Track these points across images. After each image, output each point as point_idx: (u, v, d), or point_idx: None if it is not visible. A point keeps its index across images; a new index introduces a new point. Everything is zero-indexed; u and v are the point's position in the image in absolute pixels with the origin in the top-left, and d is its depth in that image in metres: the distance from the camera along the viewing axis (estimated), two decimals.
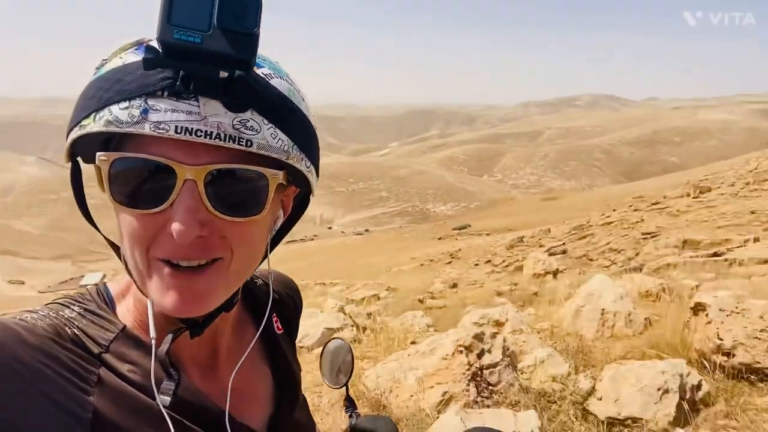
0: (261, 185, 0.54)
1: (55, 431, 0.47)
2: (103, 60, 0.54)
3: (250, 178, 0.53)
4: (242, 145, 0.50)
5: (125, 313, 0.61)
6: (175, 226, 0.49)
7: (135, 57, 0.51)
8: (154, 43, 0.50)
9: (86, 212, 0.60)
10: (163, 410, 0.53)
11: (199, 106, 0.49)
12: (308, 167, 0.58)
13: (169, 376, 0.55)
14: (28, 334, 0.50)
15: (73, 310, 0.58)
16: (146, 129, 0.48)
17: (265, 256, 0.63)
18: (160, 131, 0.48)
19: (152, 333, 0.55)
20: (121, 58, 0.53)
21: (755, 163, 27.89)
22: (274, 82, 0.55)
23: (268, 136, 0.52)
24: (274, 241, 0.65)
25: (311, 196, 0.66)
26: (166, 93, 0.49)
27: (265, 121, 0.52)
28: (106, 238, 0.60)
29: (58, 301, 0.60)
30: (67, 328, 0.54)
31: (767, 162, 27.05)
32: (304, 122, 0.57)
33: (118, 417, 0.52)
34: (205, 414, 0.60)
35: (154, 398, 0.54)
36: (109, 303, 0.62)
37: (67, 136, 0.54)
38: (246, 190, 0.53)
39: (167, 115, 0.48)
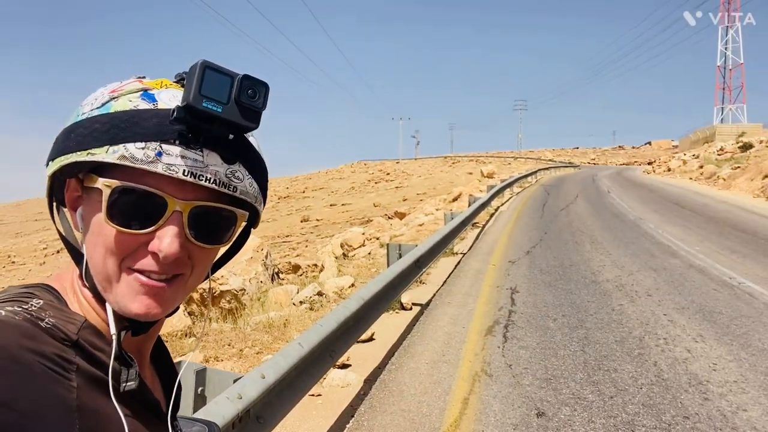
0: (231, 221, 0.65)
1: (57, 420, 0.50)
2: (111, 96, 0.60)
3: (225, 215, 0.64)
4: (230, 190, 0.61)
5: (75, 309, 0.62)
6: (164, 247, 0.58)
7: (146, 104, 0.60)
8: (165, 95, 0.60)
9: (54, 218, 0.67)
10: (114, 401, 0.57)
11: (203, 156, 0.59)
12: (263, 208, 0.70)
13: (128, 364, 0.61)
14: (21, 333, 0.51)
15: (33, 304, 0.57)
16: (159, 168, 0.57)
17: (208, 276, 0.71)
18: (171, 172, 0.57)
19: (113, 329, 0.61)
20: (131, 101, 0.60)
21: None
22: (251, 139, 0.66)
23: (248, 185, 0.63)
24: (219, 264, 0.74)
25: (254, 228, 0.75)
26: (177, 141, 0.58)
27: (247, 173, 0.63)
28: (66, 241, 0.65)
29: (11, 296, 0.58)
30: (40, 321, 0.54)
31: None
32: (266, 172, 0.68)
33: (96, 401, 0.55)
34: (150, 403, 0.66)
35: (118, 384, 0.59)
36: (60, 299, 0.62)
37: (61, 154, 0.60)
38: (219, 223, 0.64)
39: (177, 159, 0.58)
